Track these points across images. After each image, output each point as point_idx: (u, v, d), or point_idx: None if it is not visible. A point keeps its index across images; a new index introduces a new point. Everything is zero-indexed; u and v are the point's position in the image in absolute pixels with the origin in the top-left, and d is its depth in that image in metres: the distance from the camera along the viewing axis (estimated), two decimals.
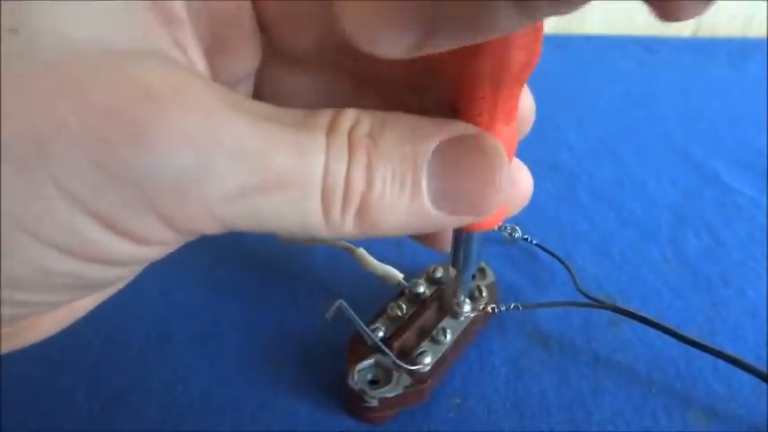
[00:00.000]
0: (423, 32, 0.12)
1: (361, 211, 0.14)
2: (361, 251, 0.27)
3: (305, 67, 0.18)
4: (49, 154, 0.12)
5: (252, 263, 0.29)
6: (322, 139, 0.14)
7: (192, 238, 0.14)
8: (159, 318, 0.26)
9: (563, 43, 0.51)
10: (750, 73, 0.49)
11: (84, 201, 0.12)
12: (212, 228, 0.14)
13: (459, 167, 0.15)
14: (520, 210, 0.20)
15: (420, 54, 0.13)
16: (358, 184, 0.14)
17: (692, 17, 0.12)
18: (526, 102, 0.18)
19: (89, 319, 0.17)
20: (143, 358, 0.24)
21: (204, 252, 0.29)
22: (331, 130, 0.14)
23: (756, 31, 0.57)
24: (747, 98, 0.44)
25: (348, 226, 0.14)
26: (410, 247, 0.28)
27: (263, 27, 0.17)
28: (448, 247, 0.21)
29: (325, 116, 0.14)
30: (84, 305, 0.18)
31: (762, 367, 0.22)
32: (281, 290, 0.28)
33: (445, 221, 0.15)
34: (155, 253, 0.14)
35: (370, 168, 0.14)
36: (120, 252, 0.13)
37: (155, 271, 0.28)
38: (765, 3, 0.55)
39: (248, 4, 0.16)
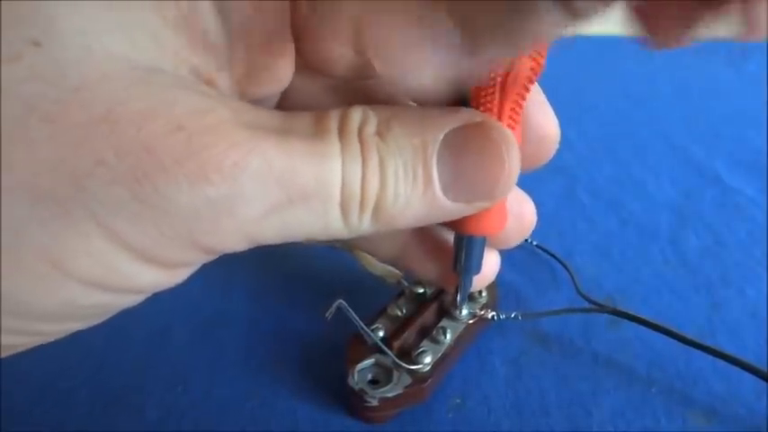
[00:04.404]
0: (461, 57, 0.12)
1: (378, 211, 0.14)
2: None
3: (332, 78, 0.18)
4: (88, 190, 0.12)
5: (252, 263, 0.29)
6: (336, 144, 0.14)
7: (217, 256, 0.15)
8: (159, 317, 0.26)
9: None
10: (750, 73, 0.49)
11: (123, 235, 0.12)
12: (242, 246, 0.14)
13: (467, 154, 0.15)
14: (522, 240, 0.21)
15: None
16: (372, 186, 0.14)
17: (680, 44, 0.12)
18: (551, 127, 0.18)
19: None
20: (143, 358, 0.24)
21: None
22: (342, 131, 0.14)
23: None
24: (747, 98, 0.44)
25: (366, 225, 0.15)
26: None
27: (299, 46, 0.16)
28: (424, 272, 0.22)
29: (334, 118, 0.14)
30: None
31: (762, 367, 0.22)
32: (281, 290, 0.28)
33: (458, 209, 0.15)
34: (181, 276, 0.15)
35: (382, 166, 0.14)
36: (148, 280, 0.14)
37: None
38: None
39: (288, 31, 0.16)
